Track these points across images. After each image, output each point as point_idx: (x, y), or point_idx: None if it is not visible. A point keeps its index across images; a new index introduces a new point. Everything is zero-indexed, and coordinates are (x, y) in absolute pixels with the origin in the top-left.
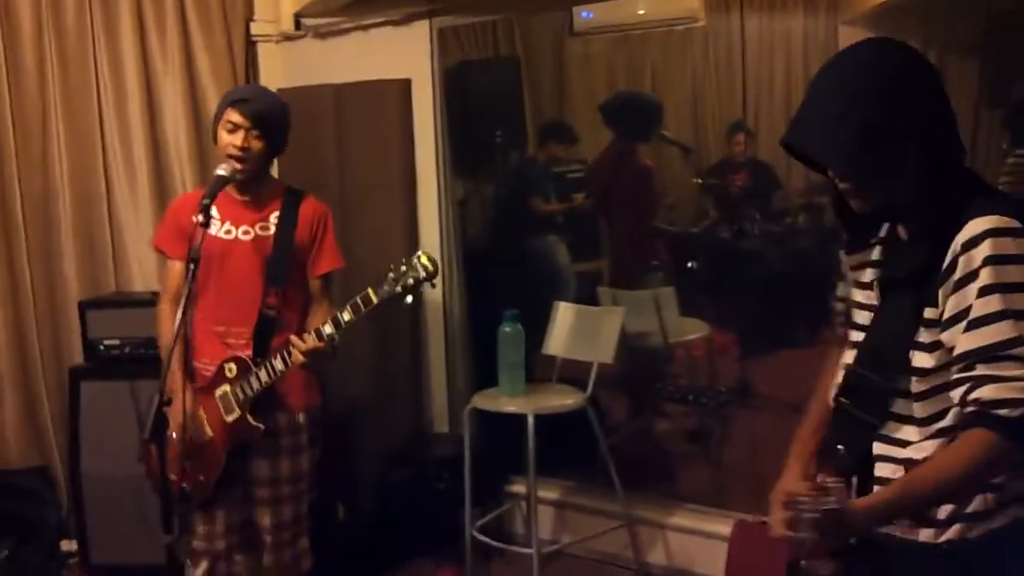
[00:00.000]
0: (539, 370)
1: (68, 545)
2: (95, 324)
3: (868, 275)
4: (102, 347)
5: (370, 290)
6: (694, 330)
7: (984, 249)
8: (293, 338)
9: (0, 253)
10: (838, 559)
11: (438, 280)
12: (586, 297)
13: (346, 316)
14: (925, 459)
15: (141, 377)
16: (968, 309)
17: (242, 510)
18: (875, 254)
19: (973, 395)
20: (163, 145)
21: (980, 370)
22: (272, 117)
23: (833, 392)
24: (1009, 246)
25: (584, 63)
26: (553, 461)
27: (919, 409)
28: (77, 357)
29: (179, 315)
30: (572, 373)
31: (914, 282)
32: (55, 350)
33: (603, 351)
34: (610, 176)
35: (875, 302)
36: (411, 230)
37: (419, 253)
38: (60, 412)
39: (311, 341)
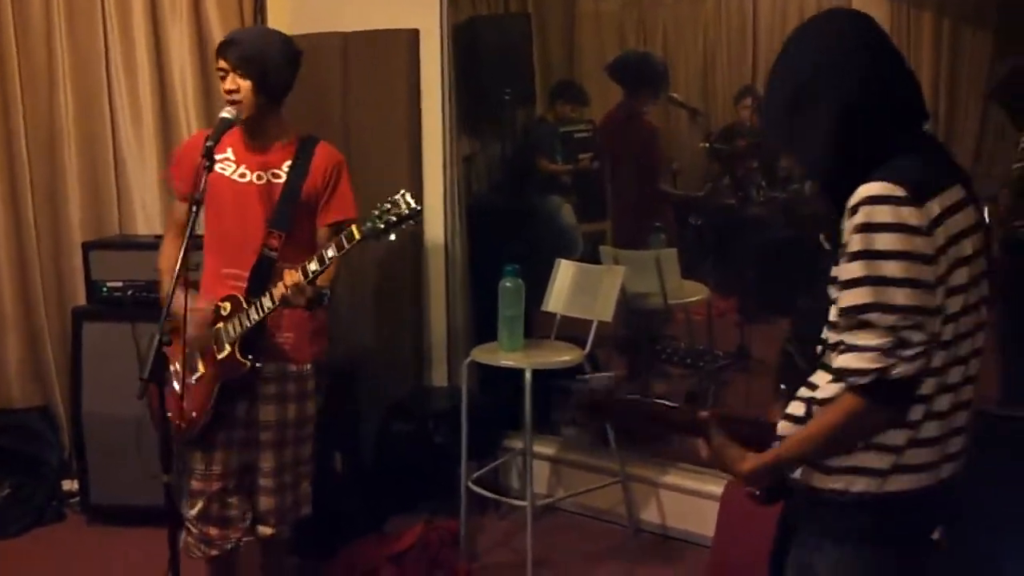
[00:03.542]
0: (539, 327)
1: (69, 485)
2: (98, 266)
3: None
4: (105, 289)
5: (353, 227)
6: (694, 293)
7: (859, 216)
8: (285, 271)
9: (5, 195)
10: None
11: (441, 236)
12: (591, 257)
13: (330, 253)
14: (825, 399)
15: (143, 319)
16: (843, 273)
17: (242, 454)
18: None
19: (834, 362)
20: (169, 89)
21: (843, 336)
22: (255, 54)
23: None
24: (884, 214)
25: (595, 21)
26: (549, 417)
27: (832, 359)
28: (80, 299)
29: (180, 256)
30: (572, 331)
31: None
32: (58, 291)
33: (602, 309)
34: (616, 136)
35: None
36: (415, 183)
37: (403, 192)
38: (63, 353)
39: (295, 276)
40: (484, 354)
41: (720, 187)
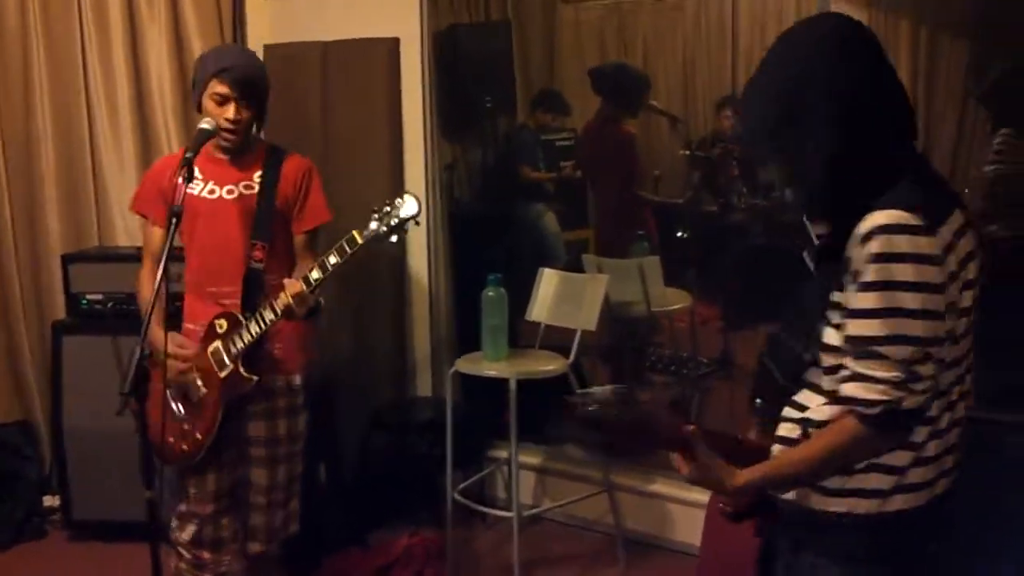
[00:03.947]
0: (523, 337)
1: (51, 500)
2: (78, 278)
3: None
4: (85, 301)
5: (355, 232)
6: (678, 300)
7: (873, 246)
8: (286, 281)
9: None
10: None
11: (423, 245)
12: (573, 265)
13: (332, 259)
14: (821, 422)
15: (123, 332)
16: (853, 300)
17: (232, 473)
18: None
19: (841, 390)
20: (147, 98)
21: (851, 364)
22: (256, 81)
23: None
24: (903, 244)
25: (575, 30)
26: (534, 427)
27: (826, 382)
28: (60, 311)
29: (160, 272)
30: (555, 340)
31: (825, 263)
32: (37, 304)
33: (586, 318)
34: (596, 144)
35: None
36: (397, 191)
37: (403, 192)
38: (42, 367)
39: (298, 285)
40: (468, 364)
41: (701, 194)
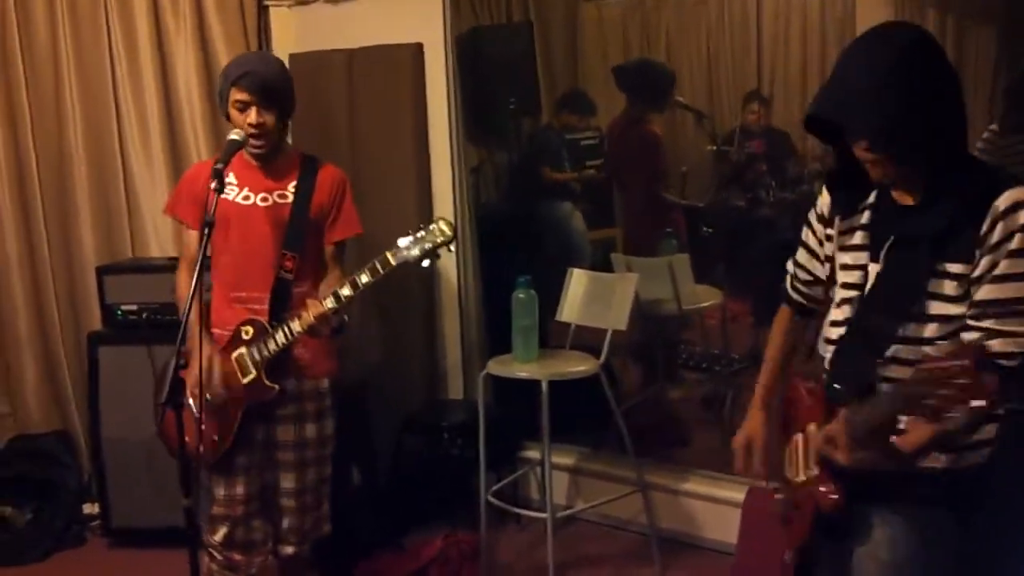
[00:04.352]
0: (553, 337)
1: (90, 508)
2: (112, 290)
3: (859, 238)
4: (119, 312)
5: (388, 254)
6: (708, 297)
7: (1020, 217)
8: (309, 300)
9: (18, 219)
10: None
11: (452, 246)
12: (601, 264)
13: (364, 279)
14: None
15: (158, 342)
16: (995, 266)
17: (262, 475)
18: (864, 219)
19: (984, 345)
20: (176, 110)
21: (991, 323)
22: (276, 84)
23: (826, 339)
24: None
25: (598, 28)
26: (567, 427)
27: (930, 351)
28: (95, 322)
29: (194, 280)
30: (586, 340)
31: (935, 240)
32: (73, 315)
33: (616, 318)
34: (621, 143)
35: (864, 262)
36: (424, 196)
37: (437, 218)
38: (80, 377)
39: (322, 306)
40: (499, 366)
41: (727, 192)
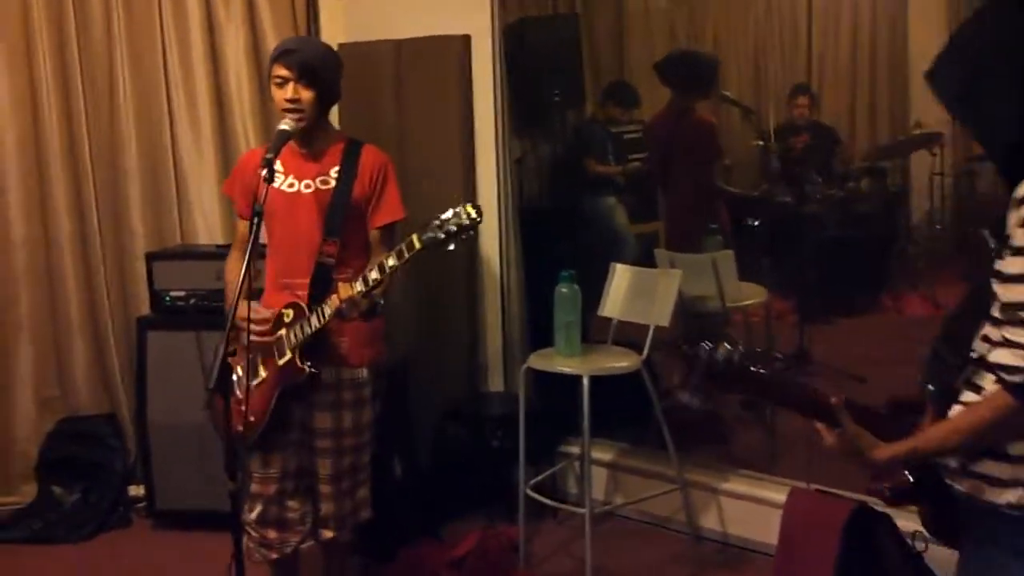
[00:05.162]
0: (595, 332)
1: (135, 490)
2: (161, 276)
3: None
4: (168, 298)
5: (414, 236)
6: (752, 295)
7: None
8: (340, 284)
9: (71, 206)
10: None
11: (495, 240)
12: (643, 259)
13: (390, 262)
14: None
15: (206, 328)
16: (1007, 266)
17: (299, 457)
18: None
19: (990, 358)
20: (226, 98)
21: (1004, 331)
22: (318, 64)
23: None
24: None
25: (644, 20)
26: (607, 423)
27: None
28: (144, 308)
29: (243, 268)
30: (627, 335)
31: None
32: (123, 301)
33: (659, 314)
34: (668, 135)
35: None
36: (469, 187)
37: (465, 202)
38: (128, 361)
39: (351, 289)
40: (541, 360)
41: (776, 186)
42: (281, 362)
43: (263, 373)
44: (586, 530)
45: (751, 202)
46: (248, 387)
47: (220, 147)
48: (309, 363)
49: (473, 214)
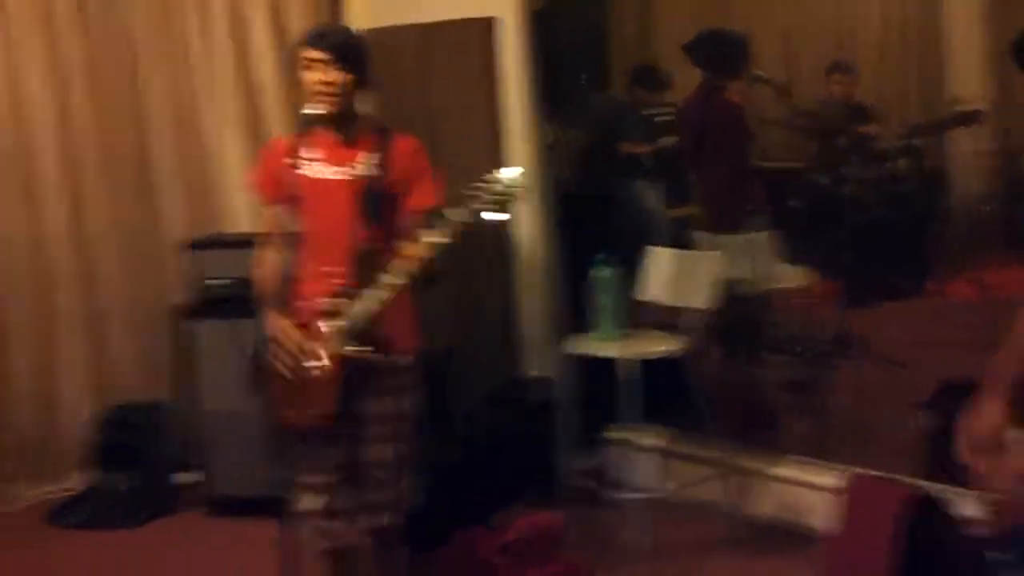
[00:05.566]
0: (633, 315)
1: (186, 477)
2: (200, 264)
3: None
4: (208, 286)
5: (456, 210)
6: (793, 277)
7: None
8: (405, 244)
9: (110, 196)
10: None
11: (531, 225)
12: (678, 242)
13: (439, 238)
14: None
15: (245, 316)
16: None
17: (347, 447)
18: None
19: None
20: (253, 86)
21: None
22: (348, 46)
23: None
24: None
25: (672, 2)
26: (649, 407)
27: None
28: (184, 296)
29: (278, 256)
30: (666, 319)
31: None
32: (162, 289)
33: (700, 297)
34: (700, 117)
35: None
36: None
37: (498, 169)
38: (171, 349)
39: (417, 248)
40: (581, 344)
41: (815, 162)
42: (339, 351)
43: (322, 365)
44: (633, 516)
45: (789, 180)
46: (306, 380)
47: (250, 134)
48: (370, 348)
49: (514, 181)
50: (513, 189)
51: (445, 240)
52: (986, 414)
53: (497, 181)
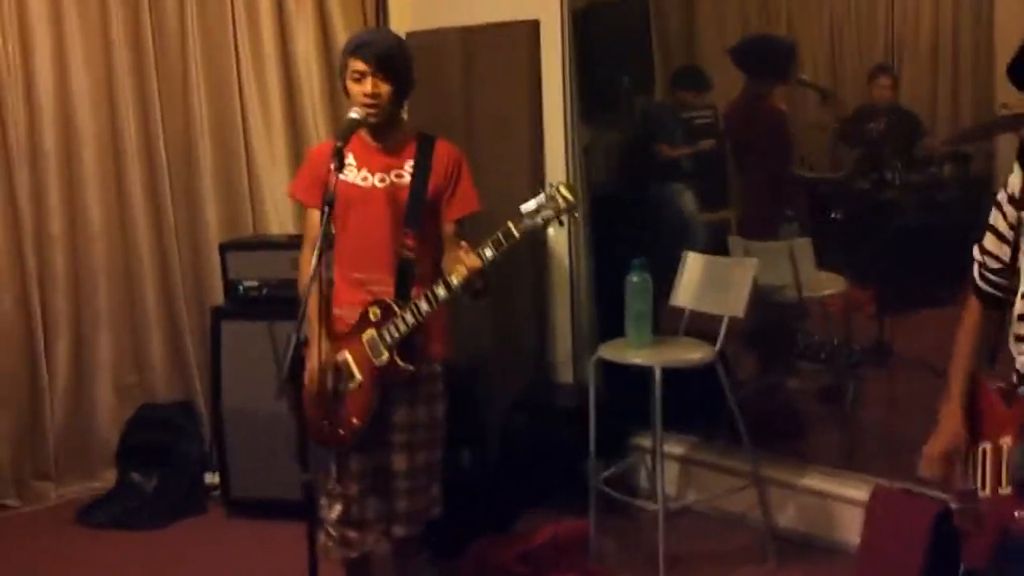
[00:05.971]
0: (666, 322)
1: (211, 478)
2: (235, 266)
3: None
4: (242, 288)
5: (511, 224)
6: (830, 285)
7: None
8: (462, 254)
9: (147, 198)
10: None
11: (564, 229)
12: (714, 247)
13: (488, 253)
14: None
15: (279, 318)
16: None
17: (377, 455)
18: None
19: None
20: (296, 89)
21: None
22: (394, 57)
23: (1016, 336)
24: None
25: (714, 4)
26: (679, 416)
27: None
28: (218, 298)
29: (314, 260)
30: (700, 325)
31: None
32: (197, 291)
33: (734, 304)
34: (742, 122)
35: None
36: (537, 175)
37: (557, 183)
38: (203, 350)
39: (475, 260)
40: (612, 351)
41: (855, 172)
42: (378, 362)
43: (359, 376)
44: (659, 525)
45: (829, 187)
46: (344, 391)
47: (291, 137)
48: (408, 360)
49: (569, 196)
50: (576, 202)
51: (500, 253)
52: (940, 432)
53: (562, 193)
